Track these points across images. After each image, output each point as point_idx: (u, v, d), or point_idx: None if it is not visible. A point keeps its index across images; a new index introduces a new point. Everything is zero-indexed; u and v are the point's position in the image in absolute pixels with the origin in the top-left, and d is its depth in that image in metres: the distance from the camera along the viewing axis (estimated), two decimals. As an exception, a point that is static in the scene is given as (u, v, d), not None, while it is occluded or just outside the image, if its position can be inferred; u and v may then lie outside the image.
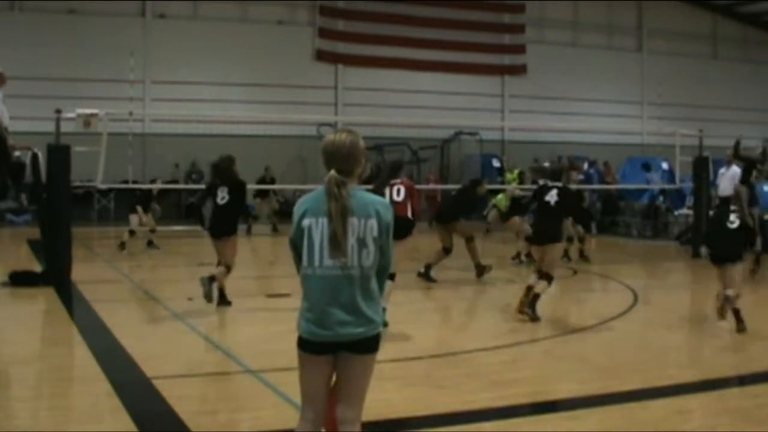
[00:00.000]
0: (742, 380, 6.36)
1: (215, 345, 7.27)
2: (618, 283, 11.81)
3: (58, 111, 11.44)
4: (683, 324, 9.03)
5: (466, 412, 5.41)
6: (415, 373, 6.50)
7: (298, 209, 3.56)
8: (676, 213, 19.61)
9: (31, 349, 7.39)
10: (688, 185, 17.13)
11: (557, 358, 7.16)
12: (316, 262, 3.48)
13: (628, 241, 19.32)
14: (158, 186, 16.58)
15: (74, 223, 11.78)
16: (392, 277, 7.71)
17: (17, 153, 11.20)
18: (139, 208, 15.30)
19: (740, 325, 7.89)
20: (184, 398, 5.53)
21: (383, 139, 24.55)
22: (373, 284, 3.55)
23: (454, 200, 12.94)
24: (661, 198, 20.57)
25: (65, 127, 11.53)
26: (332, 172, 3.50)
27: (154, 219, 16.01)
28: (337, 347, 3.52)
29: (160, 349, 7.13)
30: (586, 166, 21.81)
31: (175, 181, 22.64)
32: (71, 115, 11.80)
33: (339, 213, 3.42)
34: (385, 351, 6.16)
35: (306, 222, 3.51)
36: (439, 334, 7.88)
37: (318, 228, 3.48)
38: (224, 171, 9.17)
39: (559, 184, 9.01)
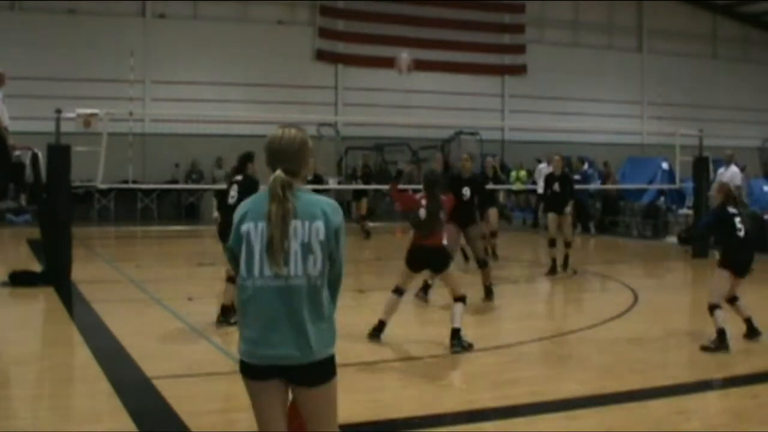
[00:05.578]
0: (742, 380, 6.36)
1: (215, 345, 7.27)
2: (618, 283, 11.81)
3: (58, 111, 11.45)
4: (683, 324, 9.03)
5: (466, 412, 5.41)
6: (415, 373, 6.50)
7: (237, 213, 3.22)
8: (680, 212, 19.61)
9: (31, 349, 7.39)
10: (689, 185, 17.13)
11: (557, 358, 7.16)
12: (256, 272, 3.10)
13: (628, 241, 19.32)
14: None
15: (74, 223, 11.78)
16: (463, 300, 7.43)
17: (17, 153, 11.20)
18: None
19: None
20: (184, 398, 5.53)
21: (383, 139, 24.57)
22: (324, 297, 3.14)
23: None
24: (661, 198, 20.58)
25: (65, 127, 11.54)
26: (278, 172, 3.16)
27: None
28: (284, 372, 3.11)
29: (160, 349, 7.13)
30: (586, 165, 21.85)
31: (175, 181, 22.64)
32: (71, 115, 11.80)
33: (280, 217, 3.07)
34: (385, 351, 6.19)
35: (245, 227, 3.15)
36: (439, 334, 7.87)
37: (257, 233, 3.11)
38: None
39: None
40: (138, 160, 20.93)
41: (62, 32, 22.48)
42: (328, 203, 3.21)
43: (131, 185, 17.11)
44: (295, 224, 3.10)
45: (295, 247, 3.08)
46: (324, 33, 25.85)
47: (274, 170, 3.19)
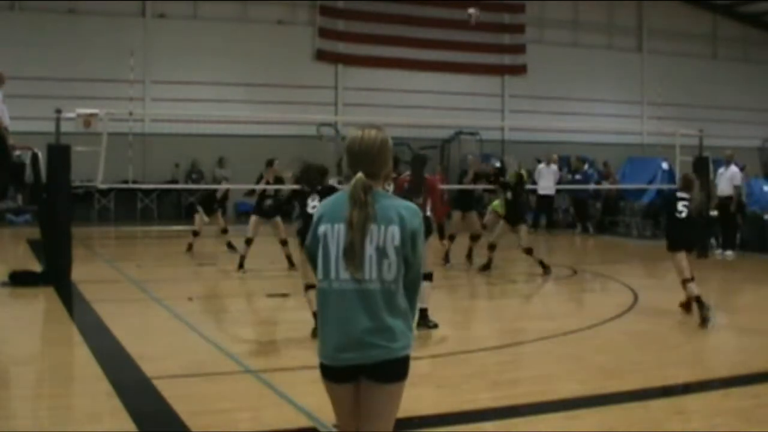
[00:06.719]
0: (742, 380, 6.35)
1: (215, 345, 7.27)
2: (618, 283, 11.81)
3: (58, 111, 11.45)
4: (683, 324, 9.02)
5: (466, 412, 5.41)
6: (415, 373, 6.47)
7: (315, 214, 3.25)
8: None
9: (31, 349, 7.39)
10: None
11: (557, 358, 7.15)
12: (333, 275, 3.12)
13: (628, 241, 19.32)
14: (222, 187, 16.13)
15: (74, 223, 11.78)
16: (429, 277, 7.75)
17: (17, 153, 11.22)
18: (200, 209, 14.86)
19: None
20: (184, 398, 5.53)
21: (383, 139, 24.52)
22: (400, 301, 3.15)
23: None
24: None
25: (65, 127, 11.53)
26: (360, 175, 3.14)
27: (221, 220, 15.32)
28: (359, 373, 3.14)
29: (160, 349, 7.13)
30: (586, 166, 21.85)
31: (175, 181, 22.65)
32: (71, 115, 11.79)
33: (361, 222, 3.08)
34: (385, 351, 6.00)
35: (322, 229, 3.16)
36: (440, 334, 7.88)
37: (334, 236, 3.12)
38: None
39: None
40: (138, 160, 20.92)
41: (62, 32, 22.47)
42: (406, 207, 3.19)
43: (131, 185, 17.11)
44: (371, 228, 3.09)
45: (369, 251, 3.09)
46: (324, 33, 25.85)
47: (354, 172, 3.17)
